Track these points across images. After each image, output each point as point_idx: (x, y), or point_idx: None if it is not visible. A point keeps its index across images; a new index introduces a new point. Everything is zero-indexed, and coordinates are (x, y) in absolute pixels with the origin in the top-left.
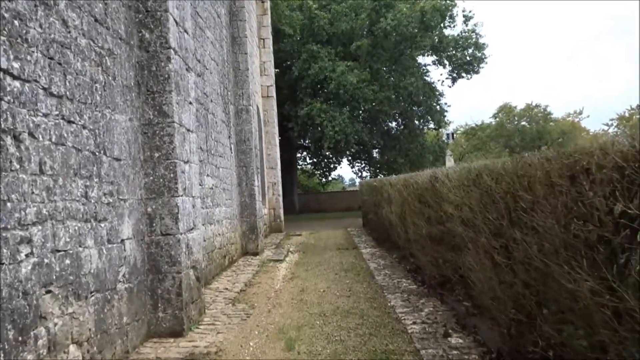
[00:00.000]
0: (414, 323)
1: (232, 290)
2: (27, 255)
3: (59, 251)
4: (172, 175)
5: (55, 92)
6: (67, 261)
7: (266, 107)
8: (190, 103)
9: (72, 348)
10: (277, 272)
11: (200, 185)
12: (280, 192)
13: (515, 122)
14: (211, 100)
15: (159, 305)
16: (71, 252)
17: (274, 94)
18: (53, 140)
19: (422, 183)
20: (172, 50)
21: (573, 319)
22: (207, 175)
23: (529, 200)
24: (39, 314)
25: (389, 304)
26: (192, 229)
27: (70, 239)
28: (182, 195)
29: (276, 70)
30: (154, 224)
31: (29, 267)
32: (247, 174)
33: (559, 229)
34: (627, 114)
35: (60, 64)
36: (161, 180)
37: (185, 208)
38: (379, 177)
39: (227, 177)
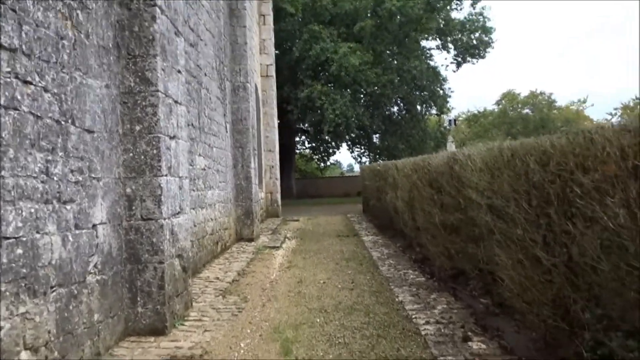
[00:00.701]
0: (427, 323)
1: (223, 280)
2: None
3: (7, 238)
4: (155, 151)
5: (5, 44)
6: (19, 250)
7: (265, 87)
8: (179, 72)
9: (25, 355)
10: (273, 260)
11: (190, 165)
12: (278, 176)
13: (519, 110)
14: (205, 74)
15: (139, 299)
16: (25, 239)
17: (274, 74)
18: (1, 102)
19: (437, 166)
20: (157, 9)
21: None
22: (199, 154)
23: (589, 186)
24: None
25: (396, 299)
26: (178, 213)
27: (24, 223)
28: (166, 175)
29: (276, 51)
30: (134, 207)
31: None
32: (244, 156)
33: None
34: (631, 104)
35: (14, 10)
36: (142, 157)
37: (170, 189)
38: (379, 162)
39: (222, 158)
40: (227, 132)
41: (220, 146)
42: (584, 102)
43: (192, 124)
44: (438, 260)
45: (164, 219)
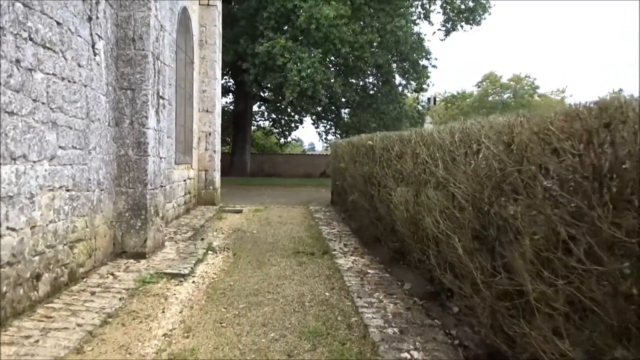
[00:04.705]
0: None
1: None
2: None
3: None
4: None
5: None
6: None
7: (205, 20)
8: None
9: None
10: (157, 321)
11: None
12: (218, 148)
13: (500, 94)
14: None
15: None
16: None
17: (218, 3)
18: None
19: None
20: None
21: None
22: None
23: None
24: None
25: None
26: None
27: None
28: None
29: None
30: None
31: None
32: (134, 104)
33: None
34: (608, 98)
35: None
36: None
37: None
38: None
39: (74, 102)
40: (96, 55)
41: (70, 77)
42: (563, 91)
43: None
44: None
45: None
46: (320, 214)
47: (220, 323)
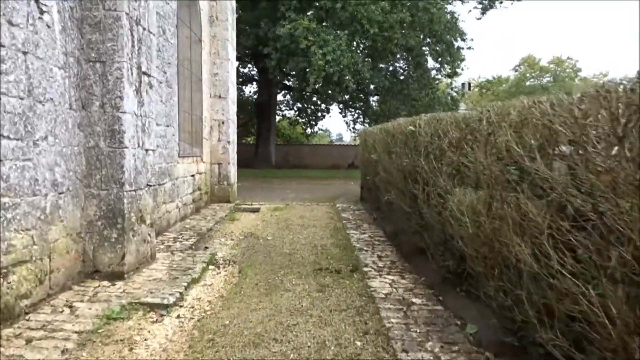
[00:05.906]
0: None
1: None
2: None
3: None
4: None
5: None
6: None
7: None
8: None
9: None
10: None
11: None
12: (233, 138)
13: (538, 78)
14: None
15: None
16: None
17: None
18: None
19: None
20: None
21: None
22: None
23: None
24: None
25: None
26: None
27: None
28: None
29: None
30: None
31: None
32: (105, 82)
33: None
34: None
35: None
36: None
37: None
38: (422, 116)
39: (5, 73)
40: (43, 13)
41: (5, 43)
42: (606, 75)
43: None
44: None
45: None
46: (348, 213)
47: None
